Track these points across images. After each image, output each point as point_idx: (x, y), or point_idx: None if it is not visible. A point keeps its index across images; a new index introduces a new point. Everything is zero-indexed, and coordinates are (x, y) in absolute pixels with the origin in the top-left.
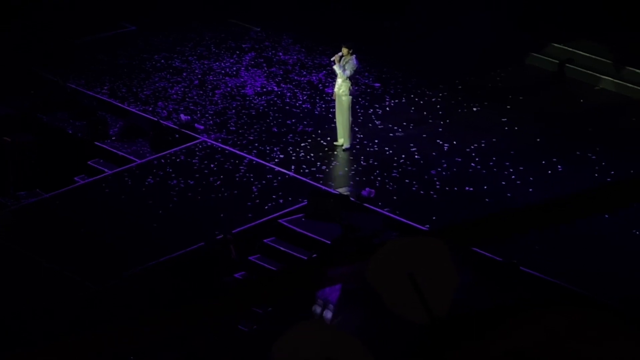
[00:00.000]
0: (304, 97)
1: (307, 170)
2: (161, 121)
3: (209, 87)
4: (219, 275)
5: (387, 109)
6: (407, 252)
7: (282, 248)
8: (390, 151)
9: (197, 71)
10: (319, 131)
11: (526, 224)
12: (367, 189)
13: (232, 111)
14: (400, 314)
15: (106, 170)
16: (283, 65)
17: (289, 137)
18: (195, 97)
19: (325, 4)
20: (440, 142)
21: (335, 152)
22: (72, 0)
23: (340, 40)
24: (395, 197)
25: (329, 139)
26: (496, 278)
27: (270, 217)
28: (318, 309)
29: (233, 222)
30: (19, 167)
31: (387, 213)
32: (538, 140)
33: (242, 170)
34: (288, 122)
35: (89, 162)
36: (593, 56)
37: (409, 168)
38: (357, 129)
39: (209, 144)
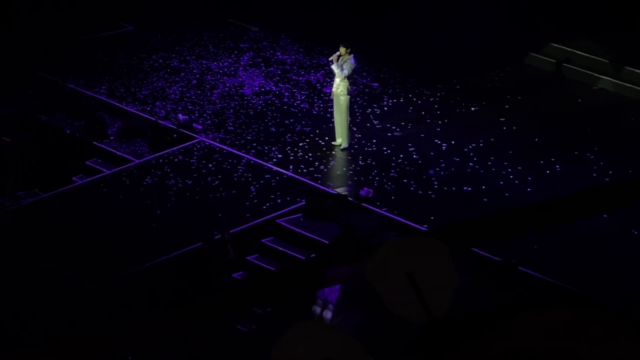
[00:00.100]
0: (302, 97)
1: (305, 170)
2: (159, 121)
3: (207, 86)
4: (217, 276)
5: (386, 108)
6: (405, 253)
7: (280, 248)
8: (389, 151)
9: (195, 71)
10: (317, 131)
11: (525, 223)
12: (365, 188)
13: (230, 111)
14: (399, 314)
15: (104, 170)
16: (281, 65)
17: (287, 137)
18: (193, 97)
19: (325, 4)
20: (439, 142)
21: (334, 152)
22: (71, 0)
23: (339, 40)
24: (393, 197)
25: (327, 138)
26: (495, 278)
27: (268, 217)
28: (317, 309)
29: (231, 222)
30: (18, 167)
31: (385, 213)
32: (537, 140)
33: (240, 170)
34: (286, 122)
35: (87, 162)
36: (592, 56)
37: (407, 168)
38: (355, 129)
39: (207, 143)
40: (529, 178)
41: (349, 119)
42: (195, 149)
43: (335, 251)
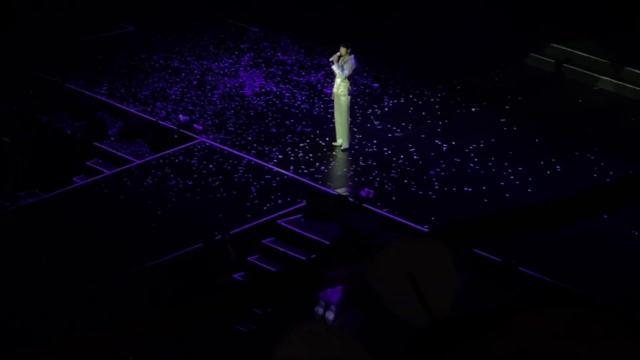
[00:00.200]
0: (303, 98)
1: (305, 171)
2: (160, 121)
3: (208, 87)
4: (217, 276)
5: (386, 109)
6: (407, 253)
7: (281, 249)
8: (389, 151)
9: (195, 71)
10: (318, 131)
11: (525, 224)
12: (365, 189)
13: (231, 111)
14: (400, 315)
15: (105, 170)
16: (282, 66)
17: (287, 138)
18: (194, 98)
19: (325, 4)
20: (439, 143)
21: (334, 153)
22: (71, 1)
23: (339, 40)
24: (394, 198)
25: (327, 139)
26: (495, 278)
27: (269, 217)
28: (319, 310)
29: (232, 223)
30: (18, 167)
31: (386, 213)
32: (537, 140)
33: (241, 171)
34: (287, 122)
35: (87, 163)
36: (592, 56)
37: (408, 168)
38: (355, 130)
39: (207, 144)
40: (530, 178)
41: (349, 119)
42: (195, 149)
43: (335, 252)
